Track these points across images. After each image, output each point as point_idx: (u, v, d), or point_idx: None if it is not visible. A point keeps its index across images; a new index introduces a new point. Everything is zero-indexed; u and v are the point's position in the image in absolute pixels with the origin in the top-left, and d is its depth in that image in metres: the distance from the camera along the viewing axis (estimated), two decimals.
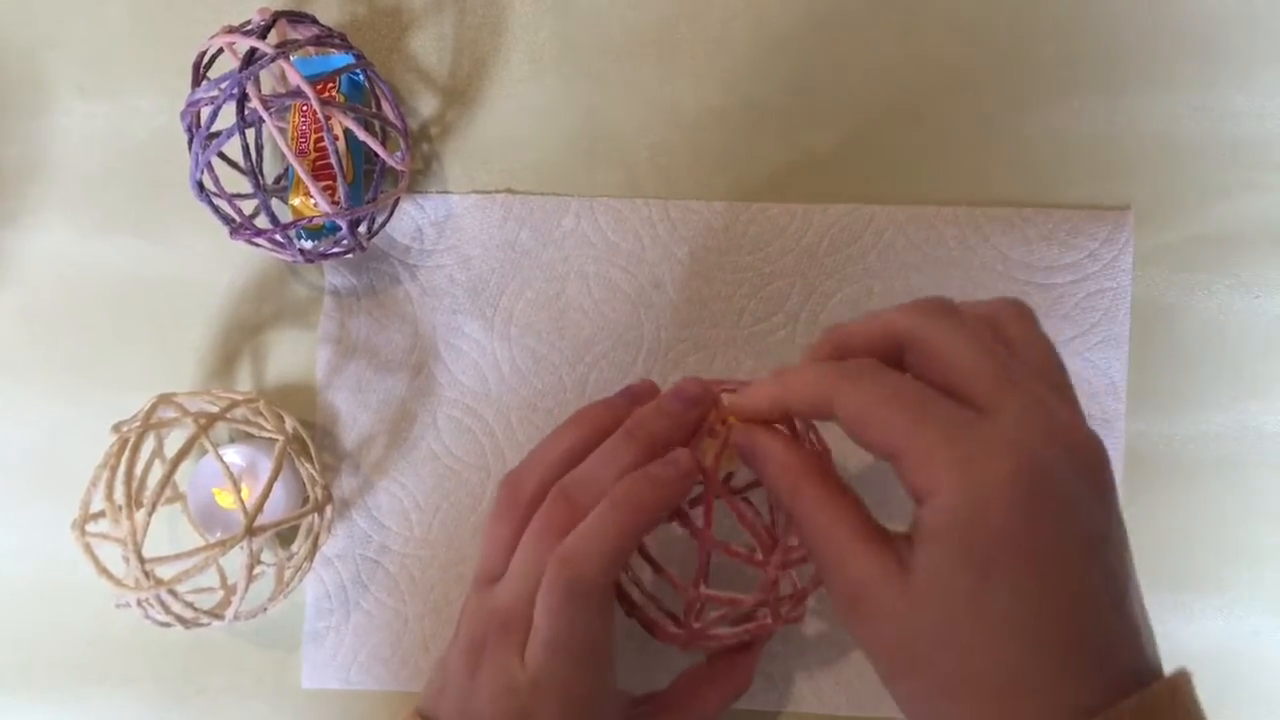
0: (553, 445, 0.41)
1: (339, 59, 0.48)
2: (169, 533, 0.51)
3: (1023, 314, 0.35)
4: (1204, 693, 0.49)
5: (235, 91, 0.42)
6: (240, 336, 0.51)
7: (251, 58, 0.43)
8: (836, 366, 0.34)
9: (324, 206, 0.44)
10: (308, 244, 0.47)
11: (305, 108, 0.48)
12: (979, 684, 0.30)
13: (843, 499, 0.34)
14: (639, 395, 0.42)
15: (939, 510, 0.30)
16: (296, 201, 0.48)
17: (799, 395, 0.35)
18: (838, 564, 0.33)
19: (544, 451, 0.41)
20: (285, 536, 0.51)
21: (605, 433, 0.40)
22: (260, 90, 0.43)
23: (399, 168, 0.47)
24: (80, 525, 0.43)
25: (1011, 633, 0.30)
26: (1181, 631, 0.48)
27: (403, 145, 0.47)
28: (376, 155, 0.46)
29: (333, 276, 0.51)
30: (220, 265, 0.51)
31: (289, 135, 0.48)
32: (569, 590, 0.36)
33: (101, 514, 0.44)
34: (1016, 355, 0.34)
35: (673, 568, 0.41)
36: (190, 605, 0.44)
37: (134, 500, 0.43)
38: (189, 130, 0.45)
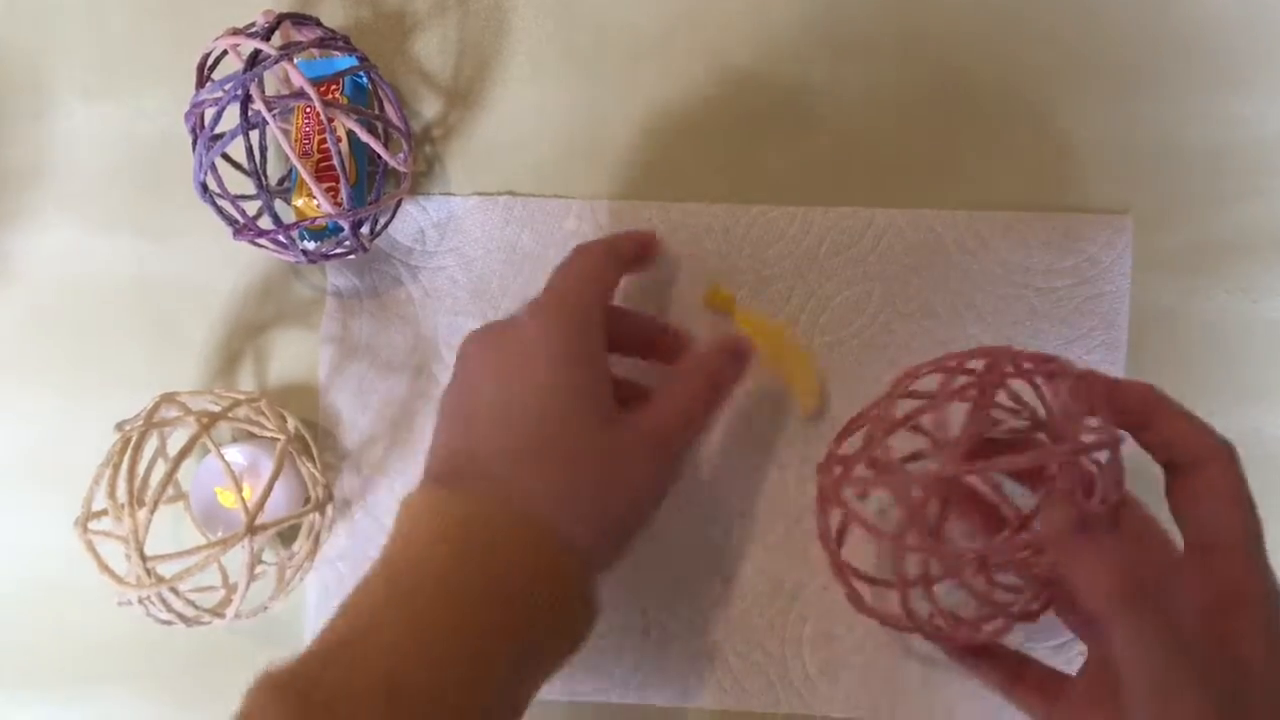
0: None
1: (343, 61, 0.48)
2: (172, 532, 0.51)
3: None
4: None
5: (239, 93, 0.43)
6: (243, 337, 0.52)
7: (255, 59, 0.43)
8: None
9: (326, 207, 0.44)
10: (310, 245, 0.47)
11: (309, 110, 0.48)
12: None
13: None
14: None
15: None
16: (300, 203, 0.48)
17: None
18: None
19: None
20: (287, 536, 0.51)
21: None
22: (264, 92, 0.43)
23: (401, 169, 0.47)
24: (83, 523, 0.44)
25: None
26: None
27: (405, 147, 0.48)
28: (379, 157, 0.46)
29: (335, 277, 0.51)
30: (224, 266, 0.51)
31: (293, 137, 0.48)
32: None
33: (104, 512, 0.44)
34: None
35: None
36: (192, 603, 0.44)
37: (136, 498, 0.43)
38: (193, 131, 0.45)
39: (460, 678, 0.35)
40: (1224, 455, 0.35)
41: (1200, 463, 0.35)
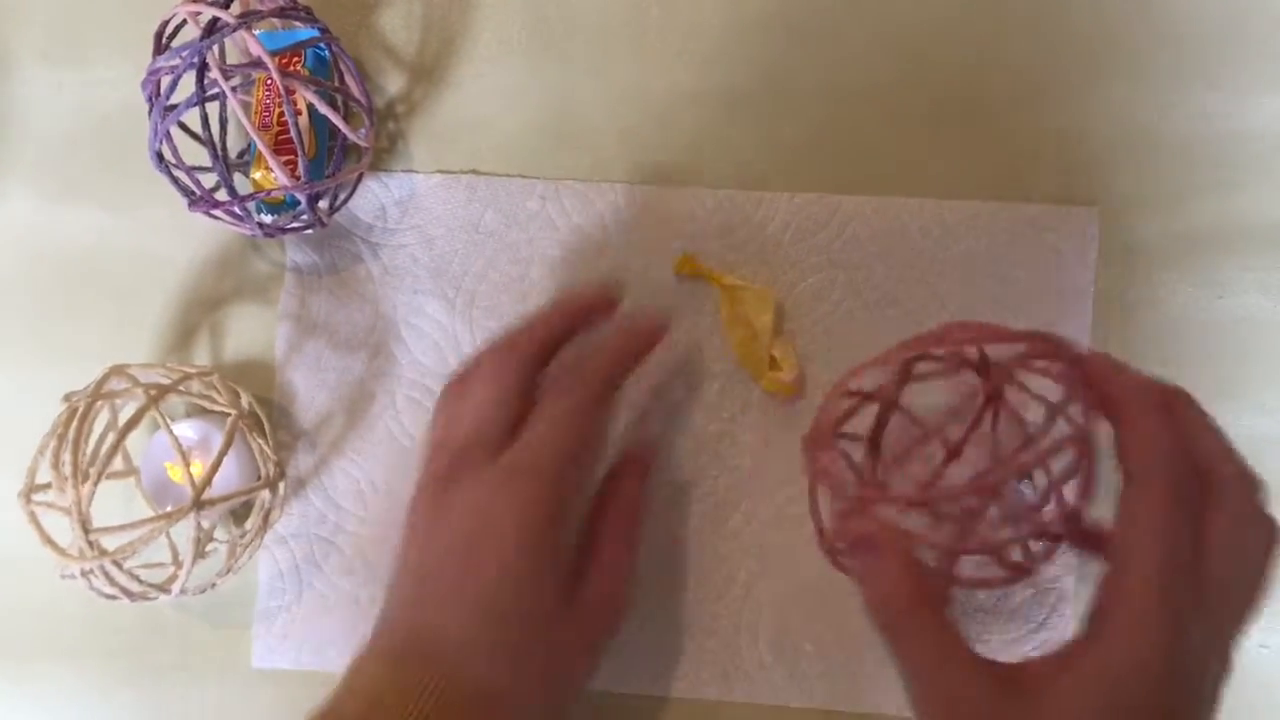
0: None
1: (304, 33, 0.48)
2: (124, 508, 0.50)
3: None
4: None
5: (195, 61, 0.42)
6: (200, 311, 0.51)
7: (213, 27, 0.43)
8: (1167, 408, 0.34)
9: (283, 180, 0.44)
10: (267, 218, 0.46)
11: (270, 81, 0.48)
12: None
13: (954, 637, 0.33)
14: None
15: (1103, 663, 0.31)
16: (257, 175, 0.47)
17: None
18: (950, 703, 0.32)
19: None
20: (240, 515, 0.50)
21: None
22: (223, 61, 0.43)
23: (362, 144, 0.47)
24: (26, 494, 0.43)
25: None
26: None
27: (367, 122, 0.47)
28: (339, 131, 0.45)
29: (294, 253, 0.50)
30: (182, 238, 0.51)
31: (253, 108, 0.48)
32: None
33: (49, 485, 0.44)
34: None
35: None
36: (136, 578, 0.43)
37: (81, 470, 0.43)
38: (149, 100, 0.44)
39: None
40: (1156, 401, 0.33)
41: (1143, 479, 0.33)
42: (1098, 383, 0.35)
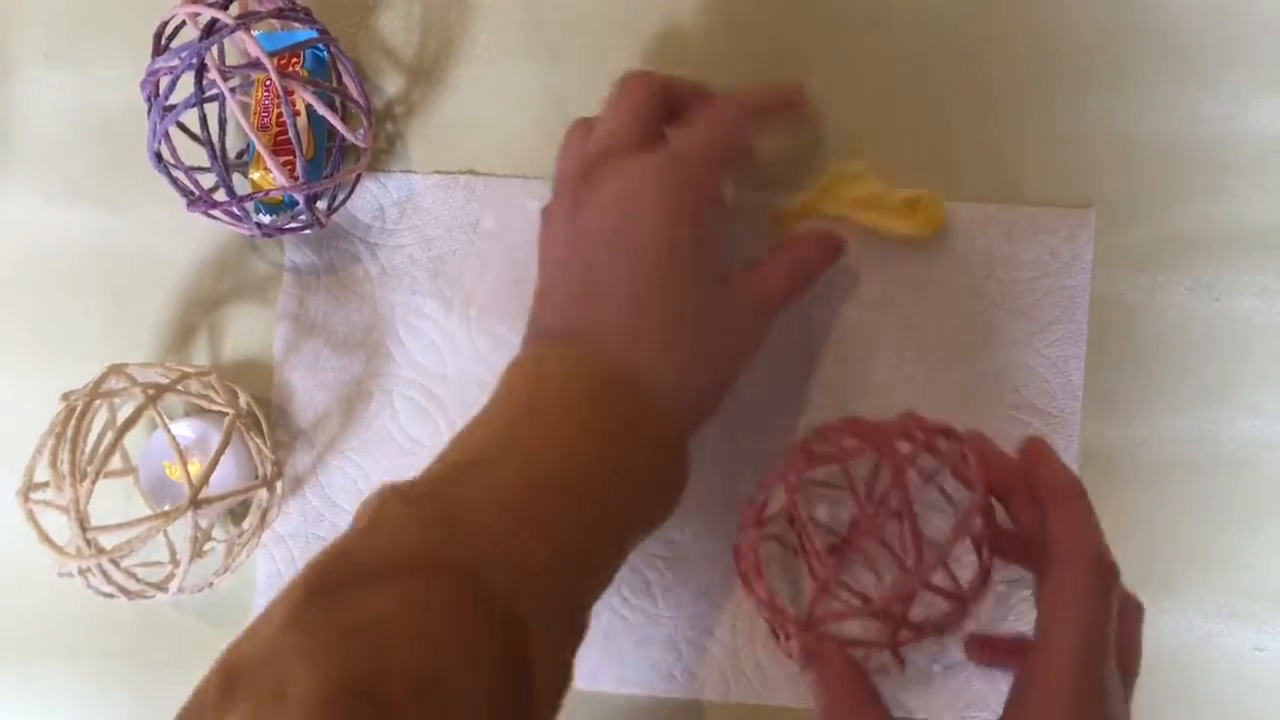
0: None
1: (303, 33, 0.48)
2: (122, 506, 0.50)
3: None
4: (1154, 695, 0.49)
5: (193, 61, 0.42)
6: (198, 311, 0.51)
7: (212, 28, 0.43)
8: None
9: (281, 180, 0.44)
10: (265, 218, 0.47)
11: (269, 83, 0.48)
12: None
13: None
14: None
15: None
16: (256, 175, 0.48)
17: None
18: None
19: None
20: (238, 514, 0.50)
21: None
22: (223, 62, 0.43)
23: (360, 145, 0.47)
24: (24, 493, 0.43)
25: None
26: None
27: (365, 123, 0.47)
28: (338, 131, 0.45)
29: (293, 253, 0.51)
30: (181, 239, 0.51)
31: (252, 109, 0.48)
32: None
33: (47, 483, 0.44)
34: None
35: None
36: (133, 576, 0.44)
37: (79, 469, 0.43)
38: (148, 100, 0.45)
39: (590, 498, 0.37)
40: (1096, 572, 0.35)
41: (1070, 566, 0.35)
42: (1031, 467, 0.38)
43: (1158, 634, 0.48)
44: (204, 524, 0.45)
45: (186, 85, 0.43)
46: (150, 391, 0.43)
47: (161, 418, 0.43)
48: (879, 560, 0.44)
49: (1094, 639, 0.34)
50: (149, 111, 0.44)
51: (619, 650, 0.49)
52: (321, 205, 0.47)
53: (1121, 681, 0.35)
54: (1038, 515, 0.36)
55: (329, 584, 0.33)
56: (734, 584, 0.48)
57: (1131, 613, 0.38)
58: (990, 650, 0.42)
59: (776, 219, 0.49)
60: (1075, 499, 0.36)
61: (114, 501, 0.50)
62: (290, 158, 0.46)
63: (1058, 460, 0.37)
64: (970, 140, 0.49)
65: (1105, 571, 0.35)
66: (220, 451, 0.43)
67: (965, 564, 0.40)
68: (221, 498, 0.44)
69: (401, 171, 0.50)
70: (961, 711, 0.48)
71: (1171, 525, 0.48)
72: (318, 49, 0.48)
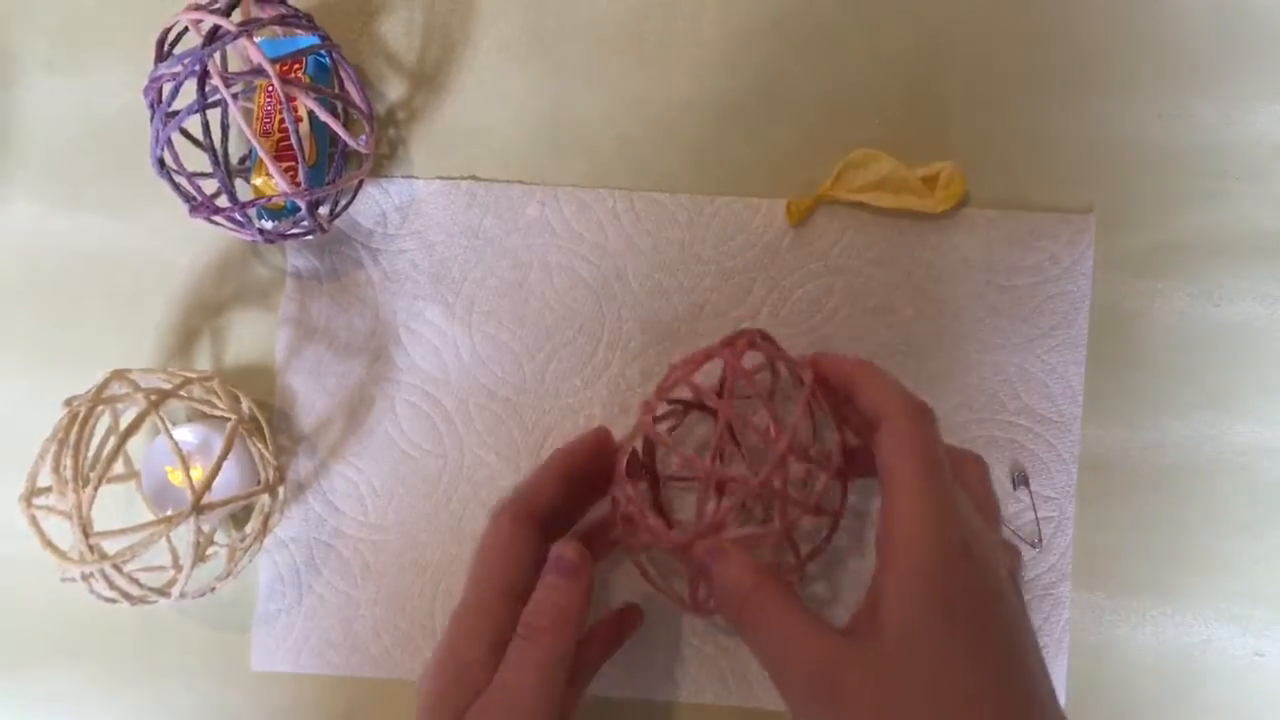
0: None
1: (305, 40, 0.48)
2: (125, 512, 0.51)
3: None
4: (1153, 700, 0.49)
5: (196, 68, 0.42)
6: (201, 316, 0.51)
7: (214, 35, 0.43)
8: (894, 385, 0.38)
9: (283, 186, 0.44)
10: (268, 224, 0.47)
11: (271, 88, 0.48)
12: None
13: (796, 602, 0.36)
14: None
15: (912, 564, 0.33)
16: (258, 181, 0.48)
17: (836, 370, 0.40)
18: (800, 653, 0.34)
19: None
20: (240, 519, 0.50)
21: None
22: (225, 68, 0.43)
23: (362, 150, 0.47)
24: (27, 498, 0.43)
25: (979, 680, 0.32)
26: (1132, 638, 0.48)
27: (367, 128, 0.47)
28: (340, 137, 0.45)
29: (295, 258, 0.51)
30: (183, 244, 0.51)
31: (255, 115, 0.48)
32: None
33: (50, 489, 0.44)
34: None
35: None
36: (136, 581, 0.44)
37: (82, 474, 0.43)
38: (151, 106, 0.45)
39: None
40: (911, 411, 0.36)
41: (890, 417, 0.36)
42: (860, 386, 0.39)
43: (1158, 638, 0.48)
44: (206, 529, 0.45)
45: (189, 92, 0.43)
46: (153, 397, 0.43)
47: (164, 423, 0.43)
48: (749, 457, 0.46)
49: (929, 460, 0.35)
50: (151, 117, 0.44)
51: (620, 654, 0.49)
52: (323, 211, 0.47)
53: (985, 523, 0.36)
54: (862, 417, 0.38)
55: None
56: None
57: (971, 465, 0.40)
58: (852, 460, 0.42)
59: (791, 212, 0.49)
60: (867, 370, 0.38)
61: (116, 507, 0.50)
62: (292, 163, 0.46)
63: (847, 357, 0.40)
64: (971, 145, 0.49)
65: (915, 408, 0.36)
66: (223, 457, 0.43)
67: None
68: (224, 503, 0.44)
69: (403, 177, 0.51)
70: None
71: (1172, 530, 0.49)
72: (320, 55, 0.48)
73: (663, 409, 0.47)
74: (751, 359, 0.45)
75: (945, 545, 0.33)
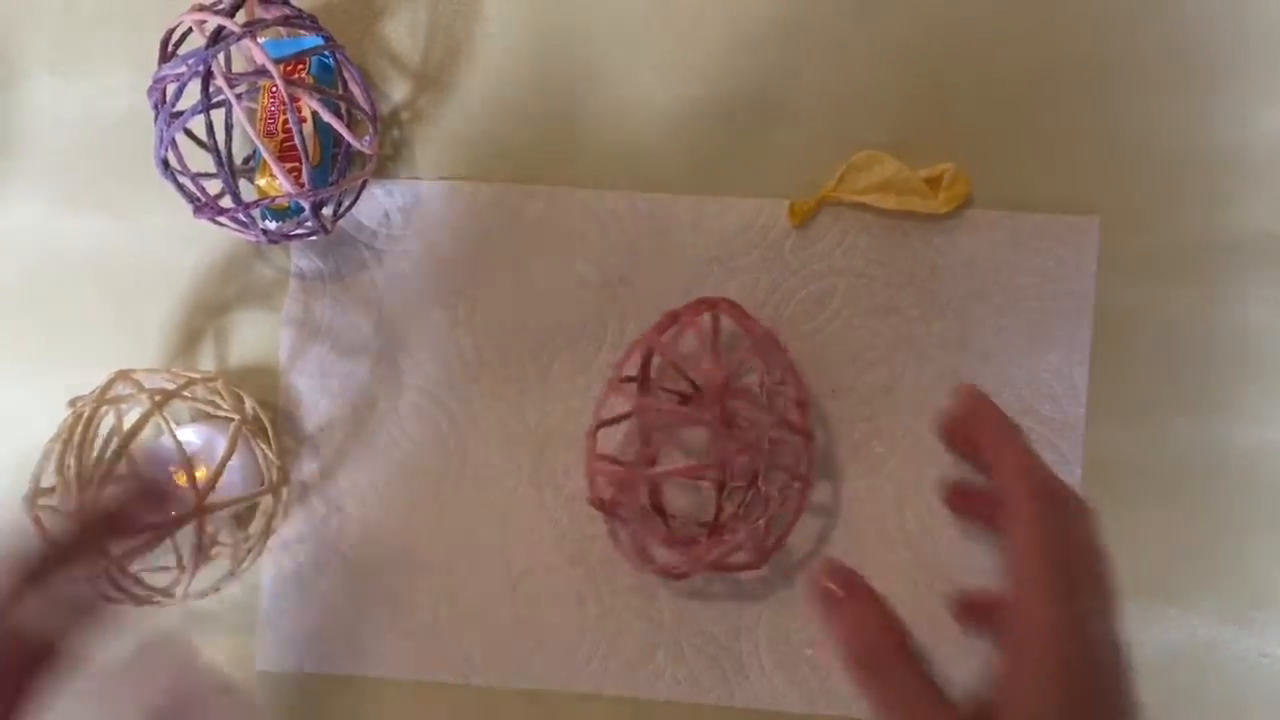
0: None
1: (308, 40, 0.48)
2: None
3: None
4: (1157, 701, 0.48)
5: (200, 69, 0.42)
6: (204, 316, 0.51)
7: (218, 35, 0.43)
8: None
9: (287, 187, 0.44)
10: (271, 225, 0.47)
11: (274, 89, 0.48)
12: None
13: (928, 674, 0.33)
14: None
15: (1045, 679, 0.31)
16: (262, 182, 0.48)
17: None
18: None
19: None
20: (244, 520, 0.50)
21: None
22: (229, 69, 0.43)
23: (366, 151, 0.47)
24: (31, 499, 0.43)
25: None
26: (1136, 640, 0.48)
27: (371, 129, 0.47)
28: (343, 138, 0.45)
29: (299, 259, 0.51)
30: (187, 245, 0.51)
31: (258, 116, 0.48)
32: None
33: (54, 489, 0.44)
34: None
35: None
36: (140, 582, 0.44)
37: (86, 475, 0.43)
38: (155, 107, 0.45)
39: None
40: (1041, 501, 0.33)
41: (1016, 499, 0.33)
42: (977, 426, 0.36)
43: (1163, 640, 0.48)
44: (210, 530, 0.45)
45: (193, 93, 0.43)
46: (157, 397, 0.43)
47: (168, 423, 0.43)
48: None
49: (1058, 564, 0.32)
50: (155, 118, 0.44)
51: (620, 654, 0.49)
52: (327, 211, 0.47)
53: (1103, 598, 0.34)
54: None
55: None
56: (737, 586, 0.48)
57: (1084, 520, 0.35)
58: (964, 498, 0.38)
59: (794, 213, 0.49)
60: (994, 427, 0.35)
61: None
62: (296, 164, 0.46)
63: (993, 407, 0.36)
64: (976, 146, 0.49)
65: (1045, 497, 0.33)
66: (226, 457, 0.43)
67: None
68: (228, 503, 0.44)
69: (407, 178, 0.51)
70: None
71: (1177, 532, 0.48)
72: (324, 56, 0.48)
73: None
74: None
75: (1072, 665, 0.31)
